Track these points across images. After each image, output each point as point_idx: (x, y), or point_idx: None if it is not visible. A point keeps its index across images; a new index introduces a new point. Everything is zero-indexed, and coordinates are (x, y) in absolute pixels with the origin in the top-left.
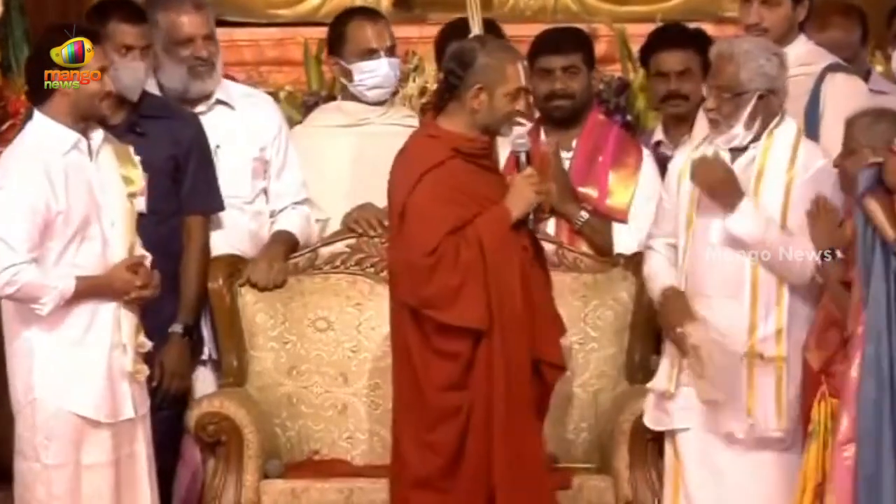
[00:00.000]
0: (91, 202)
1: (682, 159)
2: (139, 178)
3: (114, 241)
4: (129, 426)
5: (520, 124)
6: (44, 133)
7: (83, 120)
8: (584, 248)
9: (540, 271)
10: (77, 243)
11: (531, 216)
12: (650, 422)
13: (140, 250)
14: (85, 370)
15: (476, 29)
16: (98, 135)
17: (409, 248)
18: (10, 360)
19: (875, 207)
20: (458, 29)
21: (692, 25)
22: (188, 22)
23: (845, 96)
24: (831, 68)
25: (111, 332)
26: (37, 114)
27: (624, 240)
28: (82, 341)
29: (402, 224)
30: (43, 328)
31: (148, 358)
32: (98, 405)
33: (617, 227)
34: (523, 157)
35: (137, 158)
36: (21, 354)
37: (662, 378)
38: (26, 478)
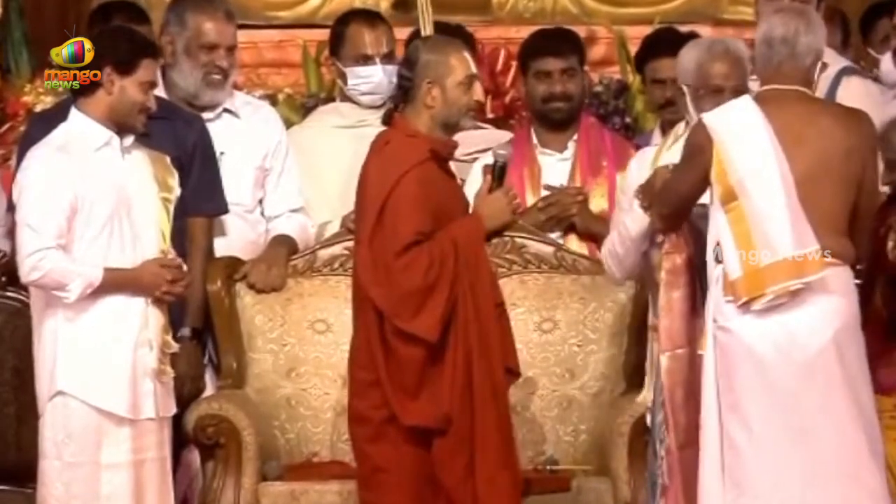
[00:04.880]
0: (120, 198)
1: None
2: (177, 186)
3: (144, 239)
4: (151, 428)
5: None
6: (78, 128)
7: (116, 125)
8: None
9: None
10: (106, 238)
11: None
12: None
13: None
14: (109, 365)
15: (428, 31)
16: (129, 137)
17: (387, 247)
18: (37, 351)
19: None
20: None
21: (691, 28)
22: (217, 30)
23: (861, 100)
24: (846, 72)
25: (138, 328)
26: (73, 111)
27: None
28: (108, 336)
29: (380, 221)
30: (70, 319)
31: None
32: (119, 400)
33: None
34: (499, 168)
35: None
36: (47, 345)
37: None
38: (46, 475)
